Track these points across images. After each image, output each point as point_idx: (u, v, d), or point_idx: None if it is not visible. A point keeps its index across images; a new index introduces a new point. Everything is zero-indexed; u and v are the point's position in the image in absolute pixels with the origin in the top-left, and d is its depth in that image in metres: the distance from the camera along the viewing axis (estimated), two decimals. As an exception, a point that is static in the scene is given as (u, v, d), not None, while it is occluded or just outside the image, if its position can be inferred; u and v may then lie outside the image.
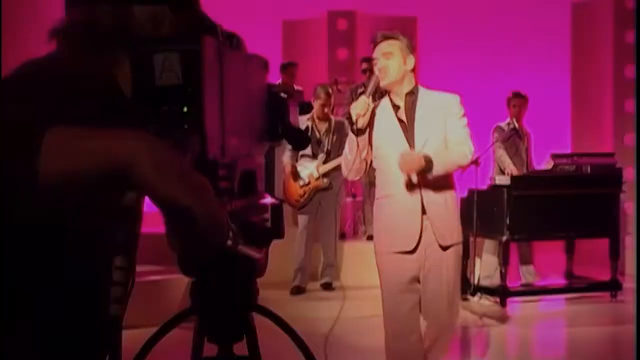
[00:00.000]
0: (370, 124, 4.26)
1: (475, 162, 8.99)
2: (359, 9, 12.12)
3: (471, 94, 11.47)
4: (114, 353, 1.17)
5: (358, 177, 4.54)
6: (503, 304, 8.61)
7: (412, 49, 4.40)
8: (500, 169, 9.24)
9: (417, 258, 4.27)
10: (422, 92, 4.37)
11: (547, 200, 8.69)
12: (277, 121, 1.62)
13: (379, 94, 4.44)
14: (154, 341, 1.52)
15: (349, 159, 4.26)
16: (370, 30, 12.15)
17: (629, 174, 10.05)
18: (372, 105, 4.24)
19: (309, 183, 8.49)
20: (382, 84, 4.32)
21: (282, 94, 1.65)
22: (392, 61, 4.30)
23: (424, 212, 4.24)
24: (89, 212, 1.35)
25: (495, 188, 8.76)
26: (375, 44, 4.39)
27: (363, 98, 4.19)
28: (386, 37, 4.37)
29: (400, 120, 4.33)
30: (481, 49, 11.90)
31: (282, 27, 12.61)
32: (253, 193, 1.58)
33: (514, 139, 9.35)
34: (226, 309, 1.52)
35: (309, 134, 8.38)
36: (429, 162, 4.12)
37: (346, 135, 8.68)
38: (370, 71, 10.23)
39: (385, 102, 4.45)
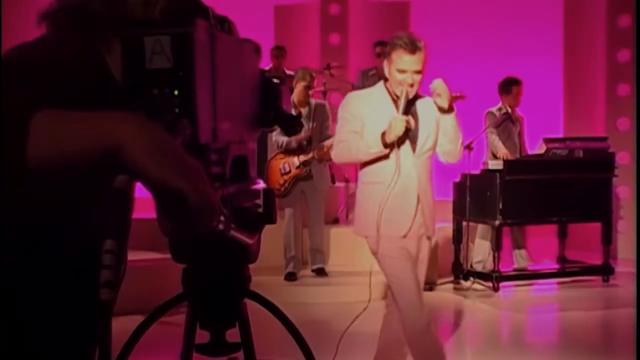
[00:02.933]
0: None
1: (468, 146, 9.00)
2: (351, -6, 12.10)
3: (463, 79, 11.47)
4: (104, 338, 1.16)
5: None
6: (496, 288, 8.63)
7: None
8: (493, 154, 9.25)
9: (408, 243, 4.44)
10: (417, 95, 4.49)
11: (540, 184, 8.71)
12: (269, 107, 1.60)
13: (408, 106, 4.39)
14: (145, 327, 1.51)
15: (355, 157, 4.42)
16: (363, 15, 12.17)
17: (621, 158, 10.08)
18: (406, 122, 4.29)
19: (289, 172, 8.48)
20: (401, 92, 4.33)
21: (275, 80, 1.64)
22: (419, 77, 4.35)
23: (418, 200, 4.40)
24: (78, 195, 1.34)
25: (488, 173, 8.77)
26: (407, 51, 4.31)
27: (400, 118, 4.26)
28: (419, 48, 4.34)
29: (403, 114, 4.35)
30: (473, 33, 11.88)
31: (274, 12, 12.58)
32: (245, 179, 1.57)
33: (506, 124, 9.36)
34: (218, 295, 1.51)
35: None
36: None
37: (327, 118, 8.69)
38: (384, 55, 10.25)
39: (379, 91, 4.48)
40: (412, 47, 4.30)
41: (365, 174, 4.49)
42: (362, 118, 4.36)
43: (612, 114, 11.05)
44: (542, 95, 11.40)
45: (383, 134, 4.26)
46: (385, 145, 4.26)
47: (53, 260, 1.39)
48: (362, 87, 9.94)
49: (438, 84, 4.34)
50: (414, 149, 4.38)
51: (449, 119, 4.41)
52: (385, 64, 4.44)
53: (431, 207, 4.48)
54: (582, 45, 11.63)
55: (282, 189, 8.47)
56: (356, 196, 4.67)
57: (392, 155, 4.34)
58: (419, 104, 4.46)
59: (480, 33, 11.89)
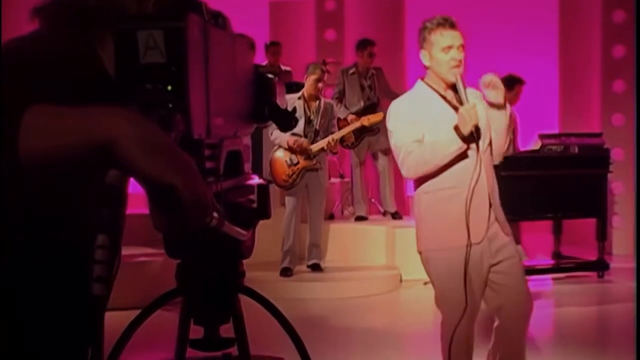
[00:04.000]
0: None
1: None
2: (347, -10, 12.08)
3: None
4: (96, 333, 1.16)
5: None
6: (491, 284, 8.63)
7: None
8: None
9: (482, 249, 4.03)
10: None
11: (535, 180, 8.71)
12: (264, 102, 1.60)
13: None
14: (139, 322, 1.51)
15: (432, 163, 4.01)
16: (358, 11, 12.14)
17: (616, 154, 10.08)
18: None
19: (297, 163, 8.46)
20: (456, 78, 4.01)
21: (270, 75, 1.63)
22: (463, 54, 4.05)
23: (490, 204, 4.07)
24: (71, 190, 1.34)
25: (483, 168, 8.75)
26: (447, 27, 4.05)
27: (471, 105, 3.92)
28: (455, 23, 4.09)
29: (456, 110, 4.03)
30: (469, 29, 11.84)
31: (270, 8, 12.55)
32: (239, 174, 1.56)
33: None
34: (212, 291, 1.51)
35: (300, 112, 8.35)
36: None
37: (334, 117, 8.72)
38: (374, 55, 10.24)
39: (422, 90, 4.18)
40: (451, 22, 4.05)
41: (433, 182, 4.08)
42: (419, 124, 4.03)
43: (607, 110, 11.04)
44: (537, 91, 11.40)
45: (456, 129, 3.91)
46: (464, 139, 3.90)
47: (46, 257, 1.38)
48: (343, 86, 9.97)
49: (492, 77, 3.98)
50: (477, 146, 3.99)
51: (503, 116, 4.08)
52: (423, 55, 4.13)
53: (500, 204, 4.13)
54: (577, 41, 11.62)
55: (290, 180, 8.46)
56: (417, 210, 4.25)
57: (469, 154, 3.99)
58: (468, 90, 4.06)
59: (475, 29, 11.84)
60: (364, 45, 10.01)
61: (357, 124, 9.13)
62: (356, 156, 9.95)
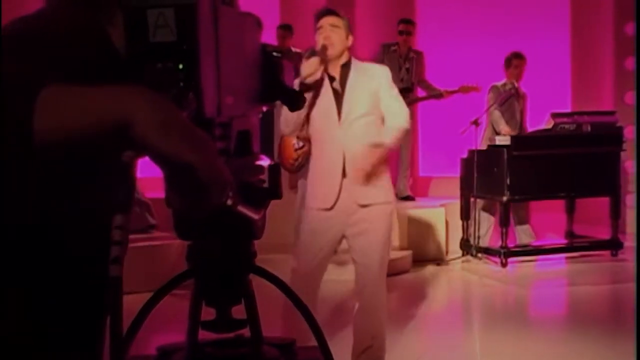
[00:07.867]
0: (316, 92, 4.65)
1: (474, 122, 8.98)
2: (357, -31, 12.01)
3: (471, 55, 11.41)
4: (116, 314, 1.15)
5: (295, 133, 5.21)
6: (504, 264, 8.62)
7: (351, 30, 4.73)
8: (494, 130, 9.23)
9: (336, 215, 4.66)
10: (355, 63, 4.73)
11: (548, 159, 8.69)
12: (271, 81, 1.59)
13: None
14: (151, 305, 1.49)
15: (289, 115, 4.80)
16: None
17: (629, 132, 10.03)
18: (322, 68, 4.59)
19: (303, 146, 8.44)
20: (329, 52, 4.60)
21: (276, 54, 1.62)
22: (337, 34, 4.61)
23: (343, 174, 4.65)
24: (88, 170, 1.33)
25: (495, 148, 8.75)
26: (320, 15, 4.70)
27: (315, 59, 4.54)
28: (332, 13, 4.70)
29: (334, 91, 4.67)
30: (481, 8, 11.80)
31: (279, -12, 12.51)
32: (249, 154, 1.55)
33: (511, 101, 9.33)
34: (224, 272, 1.50)
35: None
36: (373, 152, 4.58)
37: None
38: (406, 33, 10.20)
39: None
40: (327, 11, 4.75)
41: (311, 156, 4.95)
42: None
43: (620, 88, 10.98)
44: (549, 70, 11.34)
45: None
46: (300, 87, 4.47)
47: (60, 235, 1.37)
48: (382, 61, 9.92)
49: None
50: (339, 118, 4.68)
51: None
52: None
53: (372, 177, 4.62)
54: (589, 19, 11.55)
55: (296, 164, 8.45)
56: None
57: (323, 129, 4.78)
58: (356, 69, 4.67)
59: (487, 7, 11.81)
60: (399, 22, 10.06)
61: None
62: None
